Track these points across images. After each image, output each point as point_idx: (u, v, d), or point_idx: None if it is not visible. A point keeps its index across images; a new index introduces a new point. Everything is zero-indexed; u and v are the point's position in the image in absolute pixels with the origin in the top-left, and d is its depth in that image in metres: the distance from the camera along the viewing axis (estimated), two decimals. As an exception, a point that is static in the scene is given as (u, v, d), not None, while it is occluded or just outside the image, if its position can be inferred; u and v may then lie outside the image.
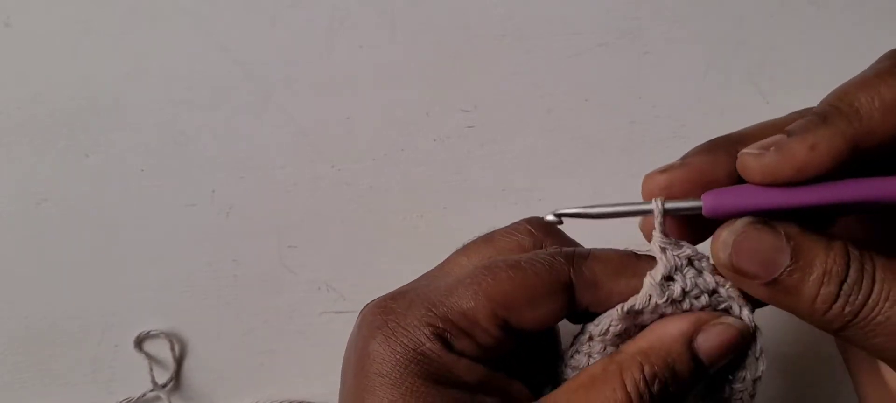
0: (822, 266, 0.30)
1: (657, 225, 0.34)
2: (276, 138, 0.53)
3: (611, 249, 0.34)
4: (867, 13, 0.53)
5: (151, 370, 0.50)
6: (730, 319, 0.34)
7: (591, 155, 0.52)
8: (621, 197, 0.48)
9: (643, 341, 0.33)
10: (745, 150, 0.31)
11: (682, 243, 0.34)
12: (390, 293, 0.35)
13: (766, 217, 0.31)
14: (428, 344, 0.32)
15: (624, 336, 0.34)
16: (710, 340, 0.32)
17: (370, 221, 0.52)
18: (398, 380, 0.31)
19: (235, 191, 0.53)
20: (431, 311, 0.32)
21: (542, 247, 0.35)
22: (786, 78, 0.53)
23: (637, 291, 0.33)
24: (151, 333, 0.51)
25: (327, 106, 0.54)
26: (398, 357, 0.32)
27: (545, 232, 0.36)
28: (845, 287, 0.29)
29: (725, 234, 0.31)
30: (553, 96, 0.53)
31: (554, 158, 0.52)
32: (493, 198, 0.52)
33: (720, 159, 0.33)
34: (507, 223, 0.49)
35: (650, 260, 0.34)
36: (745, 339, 0.34)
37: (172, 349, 0.50)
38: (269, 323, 0.52)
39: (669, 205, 0.33)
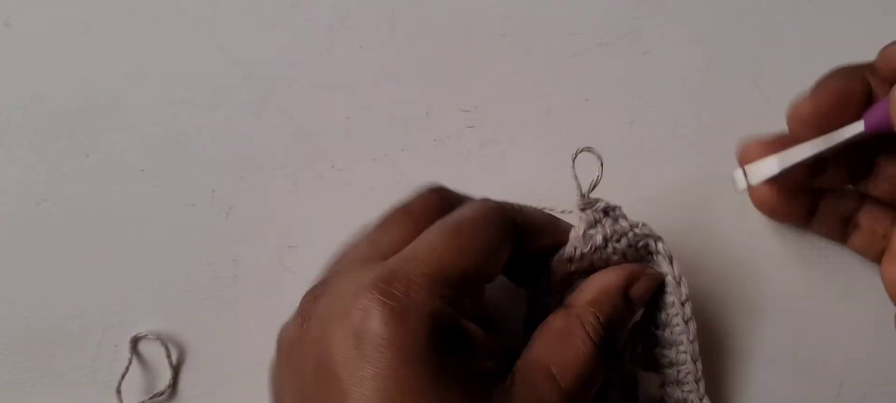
0: None
1: (577, 190, 0.43)
2: (276, 138, 0.53)
3: (535, 208, 0.42)
4: (868, 13, 0.53)
5: (123, 377, 0.50)
6: (651, 269, 0.43)
7: (591, 155, 0.52)
8: (620, 197, 0.48)
9: (589, 293, 0.39)
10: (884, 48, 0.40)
11: (598, 199, 0.43)
12: (356, 275, 0.35)
13: None
14: (448, 313, 0.33)
15: (567, 281, 0.42)
16: (639, 288, 0.41)
17: (370, 221, 0.52)
18: (428, 359, 0.31)
19: (235, 191, 0.53)
20: (436, 280, 0.33)
21: (450, 208, 0.39)
22: (786, 78, 0.53)
23: (559, 244, 0.42)
24: (148, 336, 0.50)
25: (327, 106, 0.54)
26: (422, 337, 0.32)
27: (448, 194, 0.41)
28: None
29: None
30: (553, 96, 0.53)
31: (554, 158, 0.52)
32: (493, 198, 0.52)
33: (855, 83, 0.41)
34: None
35: (565, 221, 0.43)
36: (660, 283, 0.43)
37: (167, 354, 0.50)
38: (269, 324, 0.51)
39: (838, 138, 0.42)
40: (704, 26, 0.54)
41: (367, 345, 0.31)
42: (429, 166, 0.52)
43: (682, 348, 0.44)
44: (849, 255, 0.50)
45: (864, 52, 0.53)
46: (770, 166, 0.43)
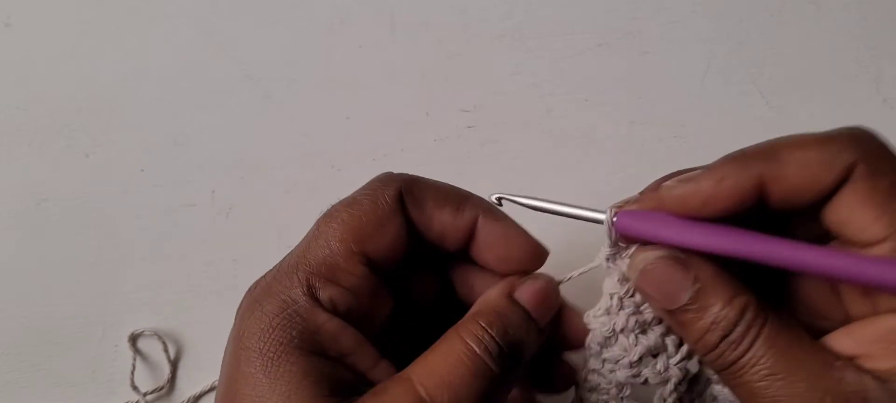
0: (712, 316, 0.31)
1: (607, 236, 0.34)
2: (276, 138, 0.53)
3: (443, 184, 0.37)
4: (867, 13, 0.53)
5: (133, 372, 0.50)
6: (539, 273, 0.37)
7: (591, 155, 0.52)
8: (621, 196, 0.48)
9: (473, 307, 0.35)
10: (667, 182, 0.33)
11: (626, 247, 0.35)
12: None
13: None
14: (300, 302, 0.32)
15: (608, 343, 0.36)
16: (525, 290, 0.35)
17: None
18: (264, 349, 0.31)
19: (235, 191, 0.53)
20: (295, 274, 0.33)
21: (402, 199, 0.35)
22: (786, 78, 0.53)
23: (460, 225, 0.36)
24: (145, 333, 0.50)
25: (327, 106, 0.54)
26: (264, 326, 0.32)
27: (404, 182, 0.36)
28: (724, 342, 0.31)
29: (640, 258, 0.33)
30: (553, 96, 0.53)
31: (554, 158, 0.52)
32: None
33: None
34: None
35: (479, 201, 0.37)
36: (555, 287, 0.36)
37: (165, 349, 0.50)
38: (268, 323, 0.51)
39: (579, 213, 0.35)
40: (704, 26, 0.54)
41: (232, 333, 0.34)
42: (429, 166, 0.52)
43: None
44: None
45: (863, 53, 0.53)
46: (525, 197, 0.37)
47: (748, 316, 0.31)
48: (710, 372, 0.36)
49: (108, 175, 0.53)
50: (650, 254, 0.32)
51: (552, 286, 0.36)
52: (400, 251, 0.35)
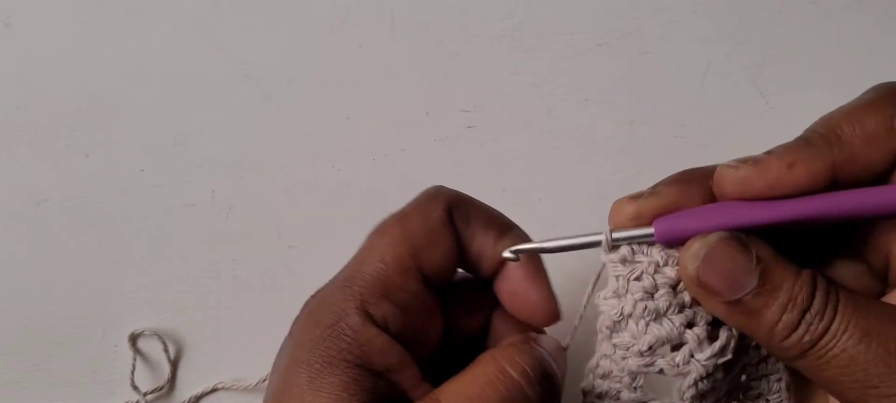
0: (788, 292, 0.29)
1: (605, 251, 0.33)
2: (276, 138, 0.53)
3: (490, 207, 0.37)
4: (867, 13, 0.53)
5: (133, 372, 0.50)
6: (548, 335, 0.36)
7: (591, 155, 0.52)
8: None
9: (505, 341, 0.35)
10: (723, 164, 0.31)
11: (641, 257, 0.33)
12: None
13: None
14: (351, 316, 0.32)
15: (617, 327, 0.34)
16: (543, 342, 0.35)
17: (370, 221, 0.52)
18: (312, 361, 0.31)
19: (235, 191, 0.53)
20: (348, 286, 0.33)
21: (451, 213, 0.35)
22: (786, 78, 0.53)
23: (498, 253, 0.35)
24: (145, 332, 0.50)
25: (327, 106, 0.54)
26: (316, 336, 0.32)
27: (452, 198, 0.36)
28: (808, 316, 0.29)
29: (697, 246, 0.30)
30: (553, 96, 0.53)
31: (554, 158, 0.52)
32: (493, 198, 0.52)
33: (693, 190, 0.32)
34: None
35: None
36: (563, 350, 0.36)
37: (165, 349, 0.50)
38: (269, 324, 0.51)
39: (620, 235, 0.33)
40: (704, 26, 0.54)
41: (287, 341, 0.34)
42: (429, 166, 0.52)
43: (774, 377, 0.36)
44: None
45: (863, 53, 0.53)
46: (537, 242, 0.36)
47: (821, 286, 0.29)
48: (748, 358, 0.35)
49: (108, 175, 0.53)
50: (710, 237, 0.30)
51: (561, 347, 0.36)
52: (451, 266, 0.35)
